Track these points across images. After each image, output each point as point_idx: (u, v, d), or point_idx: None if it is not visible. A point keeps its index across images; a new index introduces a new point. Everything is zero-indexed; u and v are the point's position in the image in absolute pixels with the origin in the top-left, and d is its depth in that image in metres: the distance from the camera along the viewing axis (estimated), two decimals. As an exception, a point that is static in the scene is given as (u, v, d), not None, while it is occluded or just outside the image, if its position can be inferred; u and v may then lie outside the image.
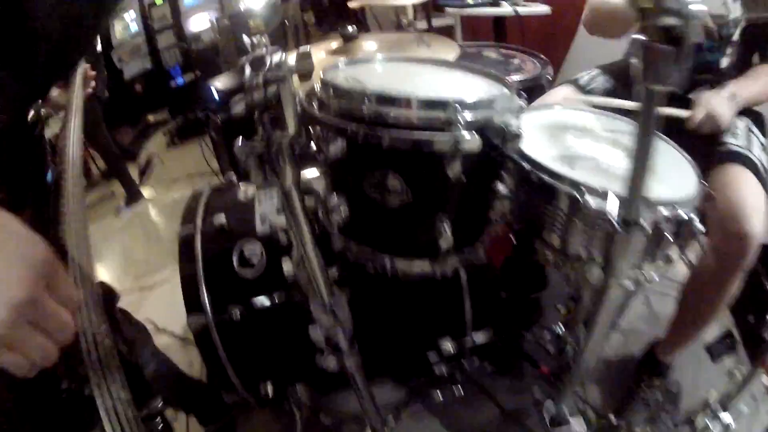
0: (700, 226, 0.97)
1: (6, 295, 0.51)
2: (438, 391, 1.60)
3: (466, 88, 1.19)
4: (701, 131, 1.42)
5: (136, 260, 2.98)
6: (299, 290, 1.13)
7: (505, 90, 1.14)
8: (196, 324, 1.37)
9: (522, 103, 1.14)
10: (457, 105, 0.93)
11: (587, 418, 1.42)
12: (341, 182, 1.05)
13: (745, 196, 1.35)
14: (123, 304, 1.50)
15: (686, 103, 1.43)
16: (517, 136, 1.06)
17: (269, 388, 1.43)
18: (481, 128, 0.96)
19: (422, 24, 3.53)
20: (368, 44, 1.98)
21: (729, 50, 1.58)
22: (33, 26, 0.71)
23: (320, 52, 2.03)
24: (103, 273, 2.84)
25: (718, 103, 1.42)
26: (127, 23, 4.50)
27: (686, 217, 0.95)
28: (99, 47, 4.10)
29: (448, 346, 1.41)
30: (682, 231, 0.97)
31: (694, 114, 1.41)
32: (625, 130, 1.27)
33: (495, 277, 1.48)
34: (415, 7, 2.95)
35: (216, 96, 2.54)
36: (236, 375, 1.43)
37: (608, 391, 1.73)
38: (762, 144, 1.53)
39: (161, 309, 2.21)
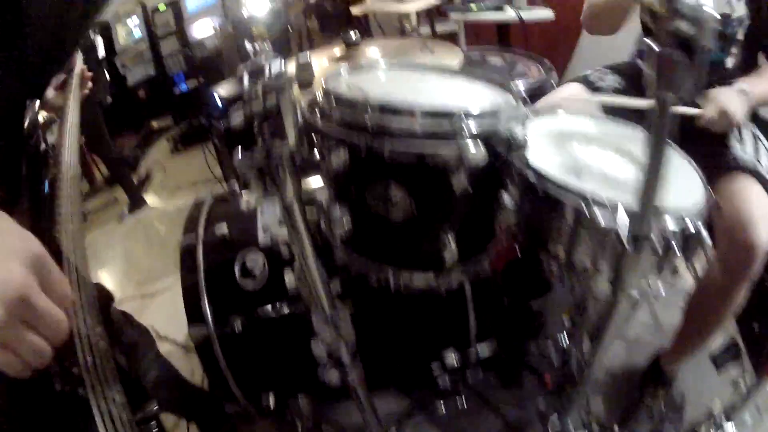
0: (707, 238, 0.95)
1: (1, 291, 0.50)
2: (441, 402, 1.58)
3: (471, 97, 1.17)
4: (712, 129, 1.38)
5: (139, 267, 2.97)
6: (301, 302, 1.12)
7: (510, 98, 1.12)
8: (198, 335, 1.36)
9: (527, 110, 1.13)
10: (462, 115, 0.91)
11: (591, 430, 1.40)
12: (344, 193, 1.03)
13: (752, 206, 1.33)
14: (125, 310, 1.50)
15: (693, 104, 1.41)
16: (522, 145, 1.05)
17: (271, 400, 1.42)
18: (487, 138, 0.95)
19: (426, 30, 3.53)
20: (371, 50, 1.97)
21: (734, 50, 1.54)
22: (25, 17, 0.71)
23: (323, 59, 2.02)
24: (106, 279, 2.83)
25: (729, 100, 1.37)
26: (130, 29, 4.52)
27: (693, 230, 0.93)
28: (102, 53, 4.12)
29: (451, 358, 1.40)
30: (689, 242, 0.95)
31: (705, 111, 1.36)
32: (632, 136, 1.25)
33: (499, 286, 1.47)
34: (418, 13, 2.94)
35: (219, 103, 2.53)
36: (237, 386, 1.42)
37: (612, 401, 1.71)
38: None
39: (163, 316, 2.20)
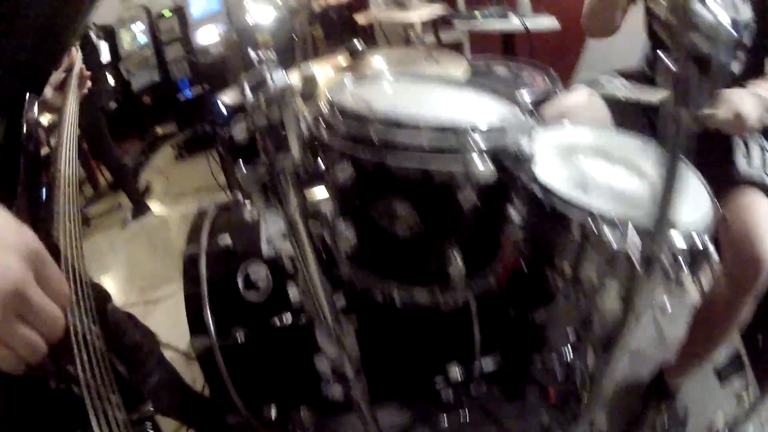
0: (714, 253, 0.95)
1: None
2: (444, 415, 1.56)
3: (479, 110, 1.16)
4: (725, 131, 1.33)
5: (142, 273, 2.97)
6: (305, 314, 1.11)
7: (518, 110, 1.12)
8: (200, 345, 1.35)
9: (534, 123, 1.12)
10: (470, 130, 0.90)
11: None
12: (349, 207, 1.02)
13: (759, 219, 1.32)
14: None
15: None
16: (529, 159, 1.04)
17: (272, 411, 1.41)
18: (495, 153, 0.94)
19: (430, 38, 3.53)
20: (376, 60, 1.96)
21: (740, 55, 1.51)
22: (19, 11, 0.70)
23: (327, 68, 2.02)
24: (108, 284, 2.83)
25: (743, 102, 1.30)
26: (134, 34, 4.54)
27: (702, 246, 0.92)
28: (106, 57, 4.13)
29: (455, 372, 1.38)
30: (697, 257, 0.94)
31: (719, 112, 1.29)
32: (639, 149, 1.24)
33: (503, 300, 1.45)
34: (423, 22, 2.94)
35: (224, 110, 2.53)
36: (239, 397, 1.41)
37: (615, 414, 1.69)
38: None
39: (165, 324, 2.18)
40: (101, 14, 4.03)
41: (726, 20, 0.63)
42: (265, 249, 1.35)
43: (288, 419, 1.45)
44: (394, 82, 1.28)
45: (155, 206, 3.68)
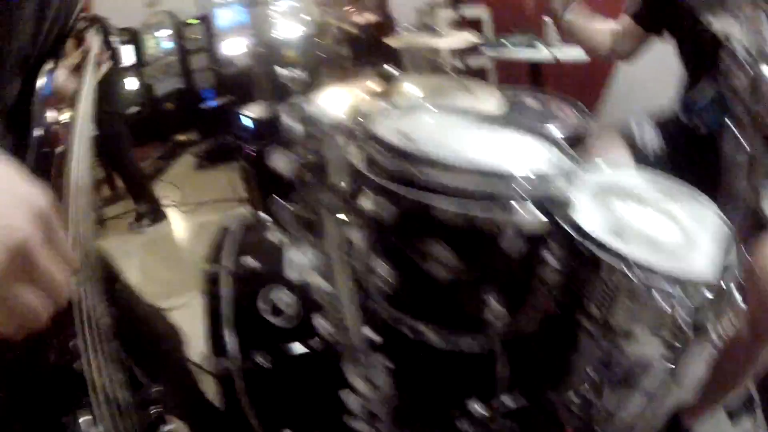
0: (741, 303, 0.95)
1: (3, 238, 0.46)
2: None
3: (523, 153, 1.15)
4: None
5: (155, 281, 2.96)
6: (332, 346, 1.10)
7: (559, 153, 1.10)
8: (219, 367, 1.33)
9: (574, 166, 1.11)
10: (517, 177, 0.89)
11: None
12: (386, 245, 1.01)
13: None
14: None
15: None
16: (568, 203, 1.03)
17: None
18: (540, 200, 0.93)
19: (456, 62, 3.53)
20: (409, 87, 1.96)
21: None
22: None
23: (356, 91, 2.01)
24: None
25: None
26: (159, 40, 4.56)
27: (728, 294, 0.91)
28: (131, 60, 4.16)
29: (476, 408, 1.36)
30: (722, 304, 0.94)
31: None
32: (676, 193, 1.23)
33: (530, 340, 1.43)
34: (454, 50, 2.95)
35: (250, 125, 2.53)
36: (257, 419, 1.39)
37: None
38: None
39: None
40: (125, 18, 4.03)
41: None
42: (294, 276, 1.33)
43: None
44: (435, 115, 1.27)
45: (172, 214, 3.68)
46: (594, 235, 1.00)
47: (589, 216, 1.08)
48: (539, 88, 2.79)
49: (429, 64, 3.11)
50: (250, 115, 2.65)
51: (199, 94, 4.62)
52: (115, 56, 1.00)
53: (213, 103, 4.55)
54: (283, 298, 1.31)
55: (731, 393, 1.55)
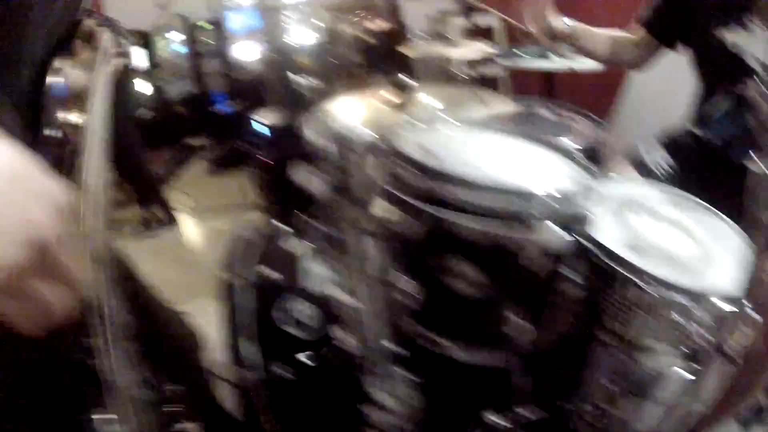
0: (756, 316, 0.95)
1: (23, 233, 0.46)
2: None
3: (544, 169, 1.16)
4: None
5: (165, 286, 2.96)
6: (349, 357, 1.10)
7: (579, 169, 1.11)
8: (238, 377, 1.34)
9: (593, 183, 1.11)
10: (541, 197, 0.89)
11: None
12: (410, 262, 1.02)
13: None
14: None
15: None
16: (586, 218, 1.03)
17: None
18: (560, 217, 0.93)
19: (468, 71, 3.52)
20: (425, 98, 1.96)
21: None
22: None
23: (372, 101, 2.01)
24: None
25: None
26: (170, 42, 4.57)
27: (744, 308, 0.91)
28: (142, 63, 4.17)
29: (495, 420, 1.36)
30: (738, 319, 0.95)
31: None
32: (693, 209, 1.23)
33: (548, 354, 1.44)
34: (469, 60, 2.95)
35: (265, 132, 2.53)
36: (275, 429, 1.39)
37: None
38: None
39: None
40: (136, 19, 4.04)
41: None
42: (310, 287, 1.34)
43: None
44: (454, 128, 1.28)
45: (183, 219, 3.68)
46: (612, 249, 1.01)
47: (607, 231, 1.09)
48: (552, 99, 2.79)
49: (442, 72, 3.11)
50: (264, 121, 2.64)
51: (211, 98, 4.61)
52: (126, 58, 0.98)
53: (225, 108, 4.54)
54: (305, 309, 1.31)
55: (743, 404, 1.55)
